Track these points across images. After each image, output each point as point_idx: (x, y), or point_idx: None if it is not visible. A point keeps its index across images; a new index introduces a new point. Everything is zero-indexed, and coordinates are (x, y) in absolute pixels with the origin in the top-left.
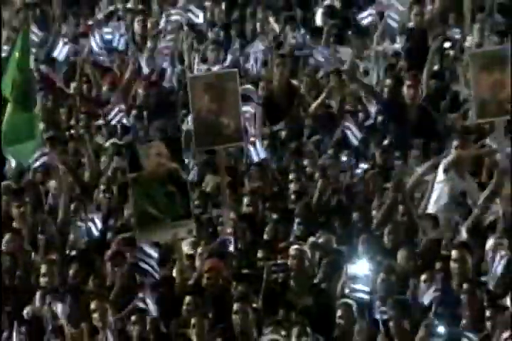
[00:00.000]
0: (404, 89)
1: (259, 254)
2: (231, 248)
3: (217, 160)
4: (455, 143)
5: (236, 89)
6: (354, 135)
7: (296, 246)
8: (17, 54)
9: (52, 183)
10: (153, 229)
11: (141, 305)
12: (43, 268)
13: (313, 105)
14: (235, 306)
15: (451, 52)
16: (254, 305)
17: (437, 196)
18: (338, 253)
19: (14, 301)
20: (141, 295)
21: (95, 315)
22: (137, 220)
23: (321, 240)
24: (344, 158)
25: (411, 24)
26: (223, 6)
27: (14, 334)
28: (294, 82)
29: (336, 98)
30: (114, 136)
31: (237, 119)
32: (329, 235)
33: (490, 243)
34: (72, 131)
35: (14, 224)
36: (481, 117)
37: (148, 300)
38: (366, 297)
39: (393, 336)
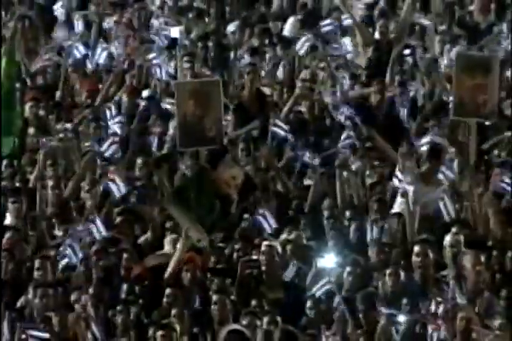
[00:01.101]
0: (372, 95)
1: (235, 249)
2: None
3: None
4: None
5: (219, 96)
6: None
7: (267, 243)
8: (4, 60)
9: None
10: (181, 210)
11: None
12: (37, 263)
13: (283, 112)
14: (214, 298)
15: (411, 59)
16: (232, 297)
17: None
18: (308, 248)
19: (9, 293)
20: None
21: (76, 306)
22: (173, 195)
23: (291, 237)
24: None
25: (377, 36)
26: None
27: (6, 323)
28: (265, 89)
29: (306, 104)
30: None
31: (218, 123)
32: (299, 232)
33: (447, 239)
34: (62, 135)
35: (10, 221)
36: (458, 116)
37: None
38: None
39: (362, 325)
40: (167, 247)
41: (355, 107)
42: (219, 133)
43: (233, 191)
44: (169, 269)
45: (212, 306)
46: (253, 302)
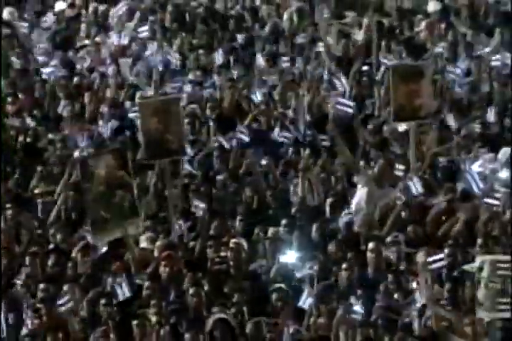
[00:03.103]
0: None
1: (208, 246)
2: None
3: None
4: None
5: (179, 112)
6: None
7: (234, 240)
8: None
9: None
10: (106, 230)
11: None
12: (27, 260)
13: (244, 124)
14: (191, 290)
15: (367, 75)
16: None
17: (357, 200)
18: (280, 240)
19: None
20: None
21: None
22: (92, 225)
23: (269, 233)
24: (264, 162)
25: (338, 53)
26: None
27: (2, 315)
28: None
29: (264, 118)
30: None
31: (180, 136)
32: (277, 228)
33: (388, 239)
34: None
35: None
36: (398, 120)
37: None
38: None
39: (322, 315)
40: (143, 244)
41: (313, 117)
42: (180, 145)
43: (117, 172)
44: (132, 268)
45: (189, 298)
46: (224, 295)
